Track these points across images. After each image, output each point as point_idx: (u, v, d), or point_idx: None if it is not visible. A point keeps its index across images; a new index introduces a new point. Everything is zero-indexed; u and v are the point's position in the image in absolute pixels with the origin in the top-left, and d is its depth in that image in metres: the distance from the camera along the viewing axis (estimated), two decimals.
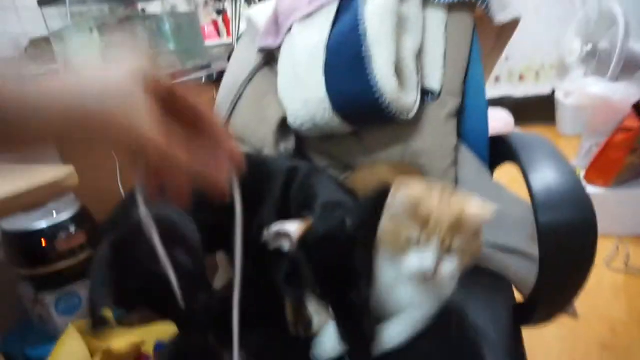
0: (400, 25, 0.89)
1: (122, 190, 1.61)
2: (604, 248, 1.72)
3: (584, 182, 1.86)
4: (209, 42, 2.34)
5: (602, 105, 1.82)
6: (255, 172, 0.76)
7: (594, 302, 1.46)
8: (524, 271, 0.77)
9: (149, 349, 1.39)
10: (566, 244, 0.56)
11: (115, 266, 0.61)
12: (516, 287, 0.78)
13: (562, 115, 2.94)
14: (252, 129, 1.00)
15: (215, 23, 2.48)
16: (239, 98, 1.04)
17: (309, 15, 0.97)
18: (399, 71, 0.86)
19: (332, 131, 0.94)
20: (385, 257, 0.62)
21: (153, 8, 2.09)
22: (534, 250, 0.78)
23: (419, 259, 0.58)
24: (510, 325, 0.70)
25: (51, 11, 1.74)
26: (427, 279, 0.58)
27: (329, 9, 0.95)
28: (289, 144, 0.97)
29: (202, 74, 1.66)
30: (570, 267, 0.58)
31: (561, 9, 2.94)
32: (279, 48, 1.02)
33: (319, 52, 0.90)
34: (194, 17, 2.01)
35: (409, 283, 0.61)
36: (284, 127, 0.97)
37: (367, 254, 0.61)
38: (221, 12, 2.35)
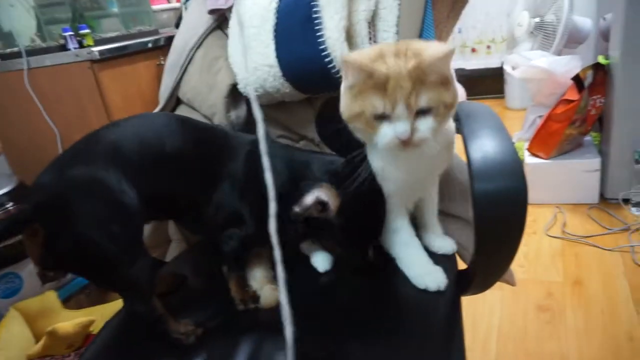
0: None
1: None
2: (544, 216, 1.83)
3: (527, 154, 1.94)
4: (156, 6, 2.21)
5: (545, 78, 1.90)
6: (216, 146, 0.74)
7: (533, 267, 1.55)
8: (464, 237, 0.80)
9: (97, 329, 1.35)
10: (498, 212, 0.58)
11: (45, 227, 0.59)
12: (459, 255, 0.81)
13: (510, 88, 3.04)
14: (202, 95, 0.96)
15: None
16: (189, 62, 1.00)
17: None
18: (350, 36, 0.84)
19: (283, 98, 0.92)
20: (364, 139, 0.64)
21: None
22: None
23: (391, 129, 0.58)
24: (452, 295, 0.73)
25: None
26: (407, 145, 0.58)
27: None
28: (241, 112, 0.95)
29: (149, 39, 1.57)
30: (502, 235, 0.60)
31: None
32: (230, 9, 0.98)
33: (269, 15, 0.87)
34: None
35: (397, 162, 0.65)
36: (235, 93, 0.94)
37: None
38: None
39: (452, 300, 0.73)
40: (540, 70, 1.89)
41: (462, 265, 0.80)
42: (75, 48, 1.48)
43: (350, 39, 0.84)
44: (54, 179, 0.62)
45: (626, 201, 1.78)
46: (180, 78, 1.00)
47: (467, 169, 0.84)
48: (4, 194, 1.45)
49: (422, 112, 0.57)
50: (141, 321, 0.67)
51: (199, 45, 1.00)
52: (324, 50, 0.81)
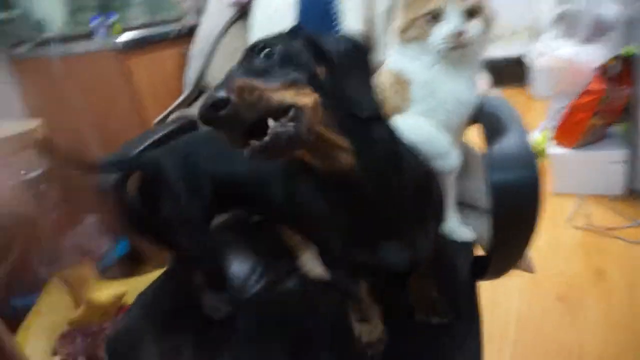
0: None
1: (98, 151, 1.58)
2: (566, 206, 1.81)
3: (553, 143, 1.92)
4: None
5: (570, 67, 1.86)
6: None
7: (554, 257, 1.54)
8: (483, 228, 0.81)
9: (130, 300, 1.41)
10: (513, 203, 0.60)
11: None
12: (477, 243, 0.82)
13: (534, 77, 2.99)
14: None
15: None
16: (213, 51, 1.02)
17: None
18: (368, 30, 0.86)
19: None
20: (415, 53, 0.70)
21: None
22: None
23: (444, 27, 0.65)
24: (468, 280, 0.74)
25: None
26: (458, 42, 0.65)
27: None
28: None
29: (173, 28, 1.60)
30: (517, 224, 0.62)
31: None
32: (250, 1, 1.00)
33: (289, 10, 0.89)
34: None
35: (445, 71, 0.69)
36: None
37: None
38: None
39: (470, 284, 0.74)
40: (564, 60, 1.85)
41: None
42: (103, 36, 1.52)
43: (368, 32, 0.85)
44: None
45: None
46: (205, 67, 1.02)
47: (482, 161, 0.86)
48: (37, 175, 1.51)
49: (469, 14, 0.66)
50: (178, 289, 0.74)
51: (223, 34, 1.02)
52: None
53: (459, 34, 0.65)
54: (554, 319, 1.29)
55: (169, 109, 1.04)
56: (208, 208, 0.74)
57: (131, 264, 1.62)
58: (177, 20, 1.85)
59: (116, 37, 1.45)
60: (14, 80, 1.66)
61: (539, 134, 2.22)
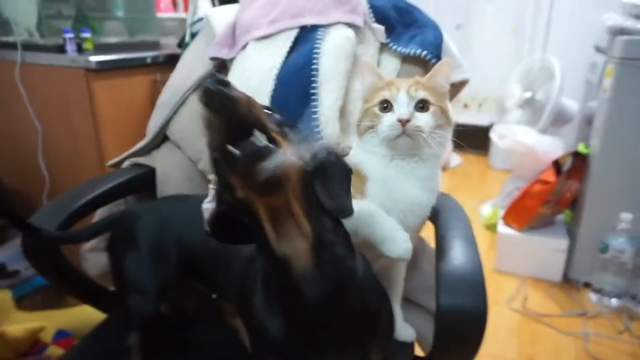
0: (355, 64, 0.90)
1: (41, 161, 1.50)
2: (507, 286, 1.87)
3: (501, 222, 1.99)
4: (163, 14, 2.21)
5: (528, 154, 1.96)
6: None
7: (491, 339, 1.58)
8: (426, 327, 0.82)
9: (47, 336, 1.32)
10: (458, 328, 0.60)
11: None
12: (418, 342, 0.83)
13: (495, 150, 3.12)
14: (191, 140, 0.97)
15: None
16: (182, 103, 1.00)
17: (267, 37, 0.95)
18: (343, 114, 0.87)
19: None
20: (371, 146, 0.71)
21: None
22: None
23: (393, 115, 0.67)
24: None
25: None
26: (405, 130, 0.66)
27: (288, 35, 0.94)
28: None
29: (148, 55, 1.57)
30: (458, 347, 0.62)
31: (512, 49, 3.11)
32: (231, 60, 0.99)
33: (269, 80, 0.88)
34: None
35: (401, 169, 0.69)
36: None
37: None
38: None
39: None
40: (523, 146, 1.95)
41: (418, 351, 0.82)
42: (73, 51, 1.47)
43: (343, 116, 0.86)
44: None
45: (587, 285, 1.84)
46: (172, 117, 1.00)
47: (434, 259, 0.87)
48: None
49: (421, 107, 0.68)
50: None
51: (194, 88, 1.00)
52: (316, 126, 0.82)
53: (405, 120, 0.66)
54: None
55: (126, 153, 1.01)
56: (169, 277, 0.73)
57: (54, 293, 1.53)
58: (155, 44, 1.82)
59: (88, 55, 1.41)
60: None
61: (490, 208, 2.31)
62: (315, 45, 0.89)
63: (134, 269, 0.73)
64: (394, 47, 0.93)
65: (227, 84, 0.40)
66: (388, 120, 0.68)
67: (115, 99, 1.47)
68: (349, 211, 0.50)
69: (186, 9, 2.29)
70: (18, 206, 1.59)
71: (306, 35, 0.93)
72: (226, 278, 0.69)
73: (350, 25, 0.93)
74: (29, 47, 1.49)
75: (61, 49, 1.47)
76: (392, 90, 0.69)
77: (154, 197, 0.96)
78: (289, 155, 0.43)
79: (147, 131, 1.03)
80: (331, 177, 0.50)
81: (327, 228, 0.49)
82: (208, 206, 0.63)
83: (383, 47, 0.95)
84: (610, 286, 1.73)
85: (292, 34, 0.93)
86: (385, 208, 0.69)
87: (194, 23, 1.63)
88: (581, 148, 1.82)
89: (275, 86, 0.88)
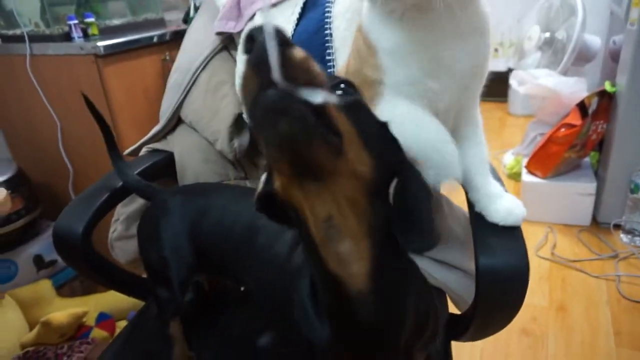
0: None
1: (63, 152, 1.52)
2: (534, 234, 1.86)
3: (525, 171, 1.96)
4: None
5: (550, 97, 1.89)
6: None
7: None
8: (461, 287, 0.82)
9: (90, 320, 1.38)
10: (500, 288, 0.60)
11: None
12: (453, 302, 0.83)
13: (513, 95, 3.03)
14: (205, 119, 0.96)
15: None
16: (193, 83, 0.99)
17: (275, 5, 0.92)
18: None
19: None
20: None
21: None
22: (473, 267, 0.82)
23: None
24: (442, 340, 0.75)
25: None
26: None
27: (296, 1, 0.90)
28: (244, 140, 0.94)
29: (155, 34, 1.54)
30: (501, 306, 0.62)
31: None
32: (239, 33, 0.97)
33: None
34: None
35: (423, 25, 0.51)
36: (239, 121, 0.94)
37: None
38: None
39: (444, 345, 0.75)
40: (545, 89, 1.88)
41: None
42: (79, 37, 1.46)
43: None
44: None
45: (617, 227, 1.81)
46: (183, 99, 0.99)
47: (463, 219, 0.87)
48: (2, 181, 1.45)
49: None
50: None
51: (204, 66, 0.98)
52: None
53: None
54: (518, 353, 1.33)
55: (142, 140, 1.01)
56: (193, 270, 0.72)
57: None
58: (160, 21, 1.79)
59: (94, 40, 1.39)
60: None
61: (512, 157, 2.27)
62: (327, 9, 0.86)
63: (157, 261, 0.71)
64: None
65: (286, 41, 0.31)
66: None
67: (126, 82, 1.46)
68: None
69: None
70: (46, 198, 1.63)
71: (315, 0, 0.89)
72: (254, 279, 0.66)
73: None
74: (35, 38, 1.49)
75: (67, 37, 1.46)
76: None
77: (175, 182, 0.96)
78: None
79: (160, 115, 1.02)
80: (413, 197, 0.40)
81: (389, 249, 0.41)
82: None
83: None
84: None
85: (300, 0, 0.90)
86: (408, 81, 0.54)
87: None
88: (607, 86, 1.74)
89: None
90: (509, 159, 2.28)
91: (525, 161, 1.99)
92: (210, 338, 0.77)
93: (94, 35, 1.51)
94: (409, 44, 0.52)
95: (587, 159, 1.98)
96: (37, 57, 1.48)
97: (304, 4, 0.90)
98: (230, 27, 0.96)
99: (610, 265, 1.66)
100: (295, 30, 0.88)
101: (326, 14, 0.85)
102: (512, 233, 0.63)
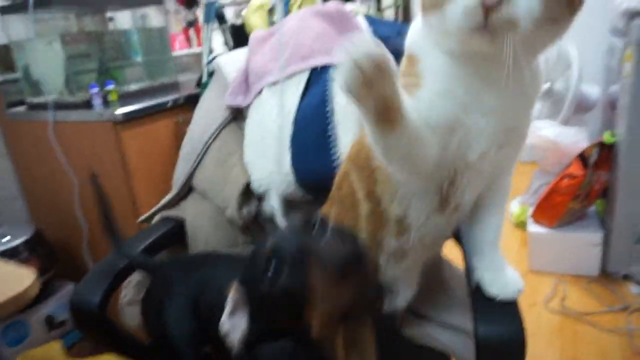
0: None
1: (79, 212, 1.59)
2: (543, 285, 1.85)
3: (530, 221, 1.97)
4: (179, 52, 2.30)
5: (551, 148, 1.94)
6: None
7: (532, 343, 1.56)
8: (467, 351, 0.83)
9: None
10: (499, 357, 0.62)
11: None
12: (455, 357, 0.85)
13: None
14: (217, 187, 1.01)
15: (186, 31, 2.44)
16: (205, 152, 1.05)
17: (280, 81, 0.99)
18: None
19: (293, 198, 0.97)
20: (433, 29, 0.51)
21: (122, 16, 2.04)
22: None
23: None
24: None
25: (13, 17, 1.68)
26: (490, 11, 0.43)
27: (300, 78, 0.98)
28: (252, 207, 0.99)
29: (169, 98, 1.64)
30: None
31: None
32: (247, 106, 1.04)
33: (287, 125, 0.92)
34: (163, 31, 1.98)
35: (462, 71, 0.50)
36: (247, 190, 0.99)
37: None
38: (192, 23, 2.31)
39: None
40: (546, 140, 1.93)
41: None
42: (99, 105, 1.55)
43: None
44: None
45: (626, 277, 1.80)
46: (196, 167, 1.05)
47: (462, 279, 0.89)
48: (21, 243, 1.51)
49: None
50: None
51: (215, 137, 1.05)
52: (337, 166, 0.86)
53: (490, 4, 0.42)
54: None
55: (155, 208, 1.06)
56: (196, 340, 0.75)
57: None
58: (174, 84, 1.90)
59: (113, 108, 1.49)
60: (5, 140, 1.70)
61: (518, 205, 2.29)
62: (327, 85, 0.93)
63: (163, 337, 0.75)
64: None
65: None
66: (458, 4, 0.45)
67: (142, 145, 1.54)
68: None
69: (199, 42, 2.38)
70: (62, 256, 1.68)
71: (317, 76, 0.96)
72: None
73: None
74: (59, 106, 1.59)
75: (88, 104, 1.55)
76: None
77: (183, 248, 1.01)
78: None
79: (173, 183, 1.09)
80: None
81: None
82: (230, 325, 0.56)
83: None
84: None
85: (304, 77, 0.97)
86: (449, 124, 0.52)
87: (209, 62, 1.69)
88: (607, 137, 1.78)
89: (293, 130, 0.92)
90: (515, 207, 2.30)
91: (530, 210, 2.01)
92: None
93: (113, 101, 1.61)
94: (455, 80, 0.51)
95: (593, 208, 2.00)
96: (60, 123, 1.57)
97: (308, 79, 0.97)
98: (240, 101, 1.03)
99: (621, 318, 1.64)
100: (299, 105, 0.94)
101: (327, 91, 0.92)
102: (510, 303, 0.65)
